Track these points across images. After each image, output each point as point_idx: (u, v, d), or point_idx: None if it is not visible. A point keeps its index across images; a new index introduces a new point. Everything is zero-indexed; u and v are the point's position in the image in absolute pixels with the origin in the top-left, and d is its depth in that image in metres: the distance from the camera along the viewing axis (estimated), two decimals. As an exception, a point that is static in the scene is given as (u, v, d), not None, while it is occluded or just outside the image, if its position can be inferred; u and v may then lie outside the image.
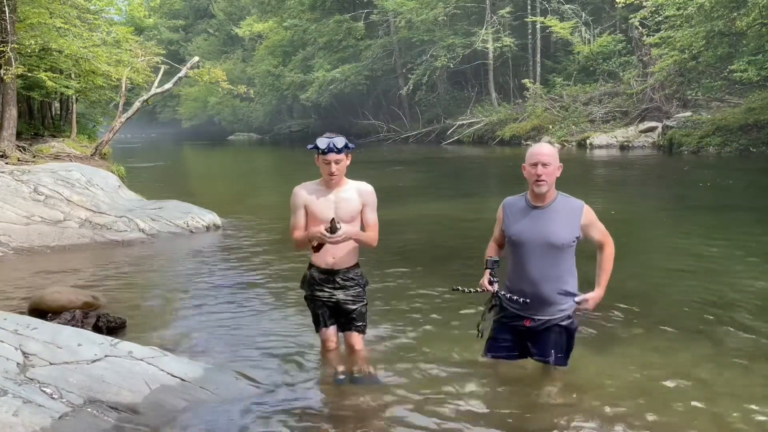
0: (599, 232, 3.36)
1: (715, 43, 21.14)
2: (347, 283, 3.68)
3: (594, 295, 3.37)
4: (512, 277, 3.42)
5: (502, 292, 3.30)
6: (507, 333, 3.51)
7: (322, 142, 3.48)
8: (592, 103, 27.99)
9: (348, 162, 3.57)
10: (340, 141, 3.49)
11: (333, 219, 3.42)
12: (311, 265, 3.72)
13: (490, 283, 3.33)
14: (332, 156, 3.47)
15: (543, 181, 3.23)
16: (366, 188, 3.65)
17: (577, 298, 3.36)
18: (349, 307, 3.70)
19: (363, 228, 3.66)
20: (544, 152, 3.25)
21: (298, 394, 3.69)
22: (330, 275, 3.66)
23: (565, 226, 3.28)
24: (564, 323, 3.38)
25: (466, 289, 3.38)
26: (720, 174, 14.95)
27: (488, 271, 3.38)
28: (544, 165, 3.21)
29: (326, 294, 3.68)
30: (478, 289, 3.34)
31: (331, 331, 3.80)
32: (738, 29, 20.18)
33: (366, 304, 3.78)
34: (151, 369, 3.53)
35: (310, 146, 3.56)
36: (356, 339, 3.79)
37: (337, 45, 38.61)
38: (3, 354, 3.36)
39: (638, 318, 4.84)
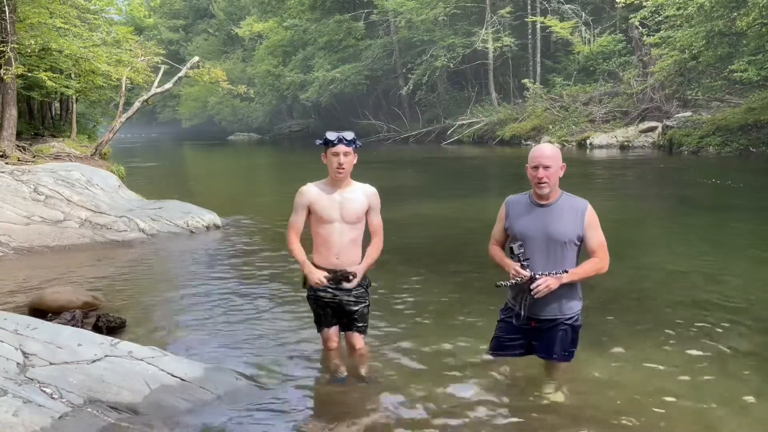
0: (597, 241, 3.30)
1: (715, 43, 21.15)
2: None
3: (553, 280, 3.20)
4: None
5: (539, 273, 3.24)
6: (513, 332, 3.50)
7: (331, 135, 3.51)
8: (592, 103, 28.00)
9: (355, 160, 3.58)
10: (349, 134, 3.53)
11: (342, 273, 3.55)
12: (314, 265, 3.71)
13: (523, 268, 3.25)
14: (341, 148, 3.49)
15: (545, 183, 3.24)
16: (371, 190, 3.68)
17: (537, 276, 3.21)
18: (352, 308, 3.70)
19: (367, 229, 3.68)
20: (546, 155, 3.24)
21: (299, 393, 3.69)
22: (334, 275, 3.65)
23: (569, 224, 3.28)
24: (569, 322, 3.38)
25: (504, 282, 3.30)
26: (720, 174, 14.95)
27: (517, 257, 3.28)
28: (545, 167, 3.22)
29: (329, 294, 3.67)
30: (518, 279, 3.24)
31: (333, 331, 3.80)
32: (738, 29, 20.18)
33: (368, 305, 3.78)
34: (151, 369, 3.53)
35: (318, 141, 3.57)
36: (357, 339, 3.79)
37: (337, 45, 38.62)
38: (3, 354, 3.36)
39: (638, 318, 4.84)
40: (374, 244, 3.71)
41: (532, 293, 3.22)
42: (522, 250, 3.27)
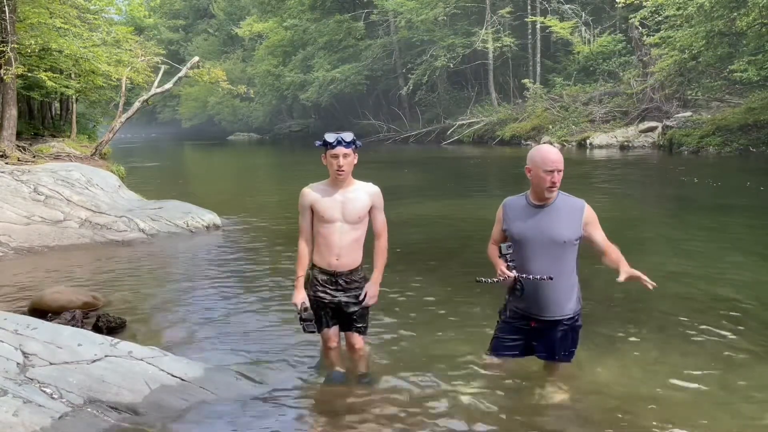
0: (602, 236, 3.34)
1: (715, 43, 21.14)
2: (350, 285, 3.66)
3: (633, 272, 3.24)
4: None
5: (523, 275, 3.24)
6: (513, 333, 3.51)
7: (330, 137, 3.49)
8: (592, 103, 28.00)
9: (355, 160, 3.57)
10: (348, 135, 3.51)
11: (305, 307, 3.61)
12: (314, 266, 3.70)
13: (509, 269, 3.26)
14: (340, 150, 3.47)
15: (555, 187, 3.26)
16: (374, 189, 3.66)
17: (621, 278, 3.23)
18: (351, 308, 3.68)
19: (372, 229, 3.68)
20: (558, 159, 3.26)
21: (299, 393, 3.69)
22: (333, 276, 3.64)
23: (568, 224, 3.28)
24: (569, 322, 3.38)
25: (487, 279, 3.30)
26: (719, 174, 14.95)
27: (503, 257, 3.29)
28: (559, 171, 3.24)
29: (328, 296, 3.66)
30: (500, 278, 3.26)
31: (333, 331, 3.79)
32: (738, 29, 20.17)
33: (367, 305, 3.76)
34: (151, 369, 3.53)
35: (318, 143, 3.55)
36: (357, 339, 3.78)
37: (337, 45, 38.64)
38: (3, 354, 3.36)
39: (638, 318, 4.84)
40: (380, 251, 3.69)
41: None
42: (510, 251, 3.28)
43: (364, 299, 3.65)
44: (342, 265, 3.61)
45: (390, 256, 3.74)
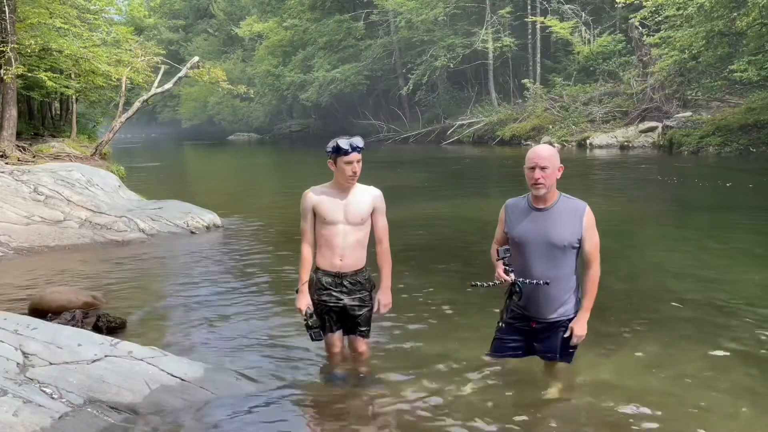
0: (592, 244, 3.27)
1: (715, 43, 21.14)
2: (354, 287, 3.64)
3: (579, 328, 3.34)
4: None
5: (521, 279, 3.23)
6: (513, 334, 3.51)
7: (344, 143, 3.45)
8: (592, 103, 27.99)
9: None
10: (359, 140, 3.51)
11: (310, 314, 3.60)
12: (317, 269, 3.67)
13: (506, 272, 3.25)
14: (354, 156, 3.46)
15: (540, 184, 3.20)
16: (377, 192, 3.66)
17: (565, 334, 3.35)
18: (356, 312, 3.66)
19: (373, 233, 3.68)
20: (542, 155, 3.20)
21: (299, 394, 3.69)
22: (338, 278, 3.61)
23: (568, 227, 3.25)
24: (569, 323, 3.37)
25: (483, 284, 3.29)
26: (719, 174, 14.95)
27: (501, 261, 3.28)
28: (542, 168, 3.18)
29: (333, 299, 3.63)
30: (496, 282, 3.26)
31: (337, 335, 3.75)
32: (738, 29, 20.17)
33: (371, 308, 3.72)
34: (151, 369, 3.53)
35: (329, 150, 3.49)
36: (361, 343, 3.76)
37: (337, 45, 38.64)
38: (3, 354, 3.36)
39: (638, 318, 4.84)
40: (384, 256, 3.68)
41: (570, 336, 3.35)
42: (507, 255, 3.27)
43: (377, 309, 3.66)
44: (346, 266, 3.59)
45: (390, 256, 3.73)
